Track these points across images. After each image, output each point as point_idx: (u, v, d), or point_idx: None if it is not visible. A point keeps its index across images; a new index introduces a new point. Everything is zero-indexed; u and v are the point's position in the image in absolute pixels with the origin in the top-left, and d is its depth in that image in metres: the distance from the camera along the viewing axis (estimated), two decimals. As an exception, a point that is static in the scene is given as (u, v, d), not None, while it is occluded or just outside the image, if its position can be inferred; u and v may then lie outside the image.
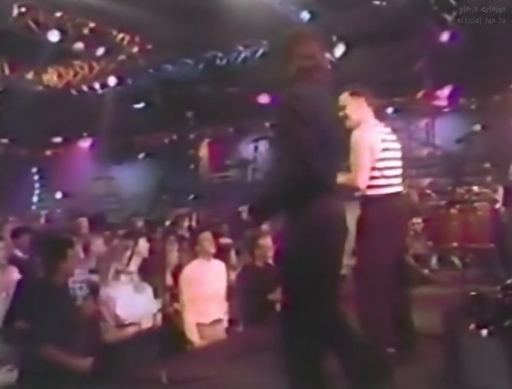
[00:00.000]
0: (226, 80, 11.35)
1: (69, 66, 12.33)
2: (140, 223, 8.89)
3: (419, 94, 10.47)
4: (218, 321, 4.80)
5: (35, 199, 16.18)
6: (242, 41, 10.98)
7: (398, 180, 3.67)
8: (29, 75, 12.58)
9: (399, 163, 3.71)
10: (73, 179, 14.45)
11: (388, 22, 9.14)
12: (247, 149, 11.56)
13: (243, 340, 4.57)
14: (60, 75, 12.55)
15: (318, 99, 2.77)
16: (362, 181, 3.53)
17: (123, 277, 4.30)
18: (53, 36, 9.83)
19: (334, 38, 9.80)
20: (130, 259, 4.29)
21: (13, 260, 5.28)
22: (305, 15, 9.28)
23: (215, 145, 14.04)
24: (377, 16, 9.02)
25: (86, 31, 10.35)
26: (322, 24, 9.11)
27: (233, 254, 6.12)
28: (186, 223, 9.53)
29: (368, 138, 3.57)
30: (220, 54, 11.29)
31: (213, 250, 4.89)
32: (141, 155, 14.58)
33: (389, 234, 3.48)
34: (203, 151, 14.25)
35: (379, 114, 3.82)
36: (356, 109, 3.69)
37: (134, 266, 4.37)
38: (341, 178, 3.63)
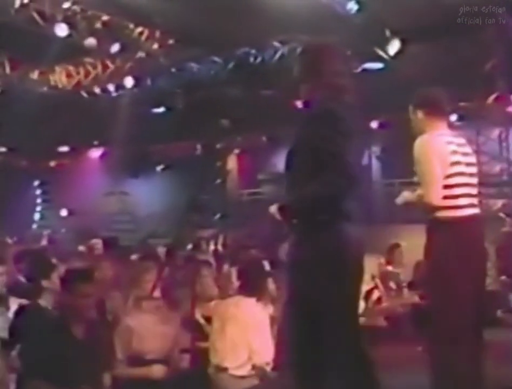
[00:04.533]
0: (259, 81, 11.45)
1: (80, 64, 12.60)
2: (158, 247, 9.02)
3: (491, 99, 10.41)
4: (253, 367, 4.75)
5: (36, 216, 16.54)
6: (279, 36, 11.02)
7: (473, 200, 3.61)
8: (34, 75, 12.92)
9: (474, 180, 3.65)
10: (80, 194, 14.70)
11: (452, 13, 9.06)
12: (282, 161, 11.55)
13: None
14: (69, 75, 12.82)
15: (352, 120, 2.96)
16: (435, 196, 3.48)
17: (146, 305, 4.31)
18: (61, 30, 9.94)
19: (387, 33, 9.81)
20: (155, 284, 4.33)
21: (15, 287, 5.52)
22: (352, 5, 9.27)
23: (246, 156, 14.18)
24: (439, 5, 8.97)
25: (98, 25, 10.54)
26: (373, 15, 9.14)
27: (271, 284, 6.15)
28: (212, 247, 9.63)
29: (434, 146, 3.56)
30: (253, 51, 11.39)
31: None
32: (159, 168, 14.83)
33: (465, 264, 3.45)
34: (232, 163, 14.40)
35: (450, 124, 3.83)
36: (417, 122, 3.75)
37: (159, 292, 4.42)
38: (409, 196, 3.71)
